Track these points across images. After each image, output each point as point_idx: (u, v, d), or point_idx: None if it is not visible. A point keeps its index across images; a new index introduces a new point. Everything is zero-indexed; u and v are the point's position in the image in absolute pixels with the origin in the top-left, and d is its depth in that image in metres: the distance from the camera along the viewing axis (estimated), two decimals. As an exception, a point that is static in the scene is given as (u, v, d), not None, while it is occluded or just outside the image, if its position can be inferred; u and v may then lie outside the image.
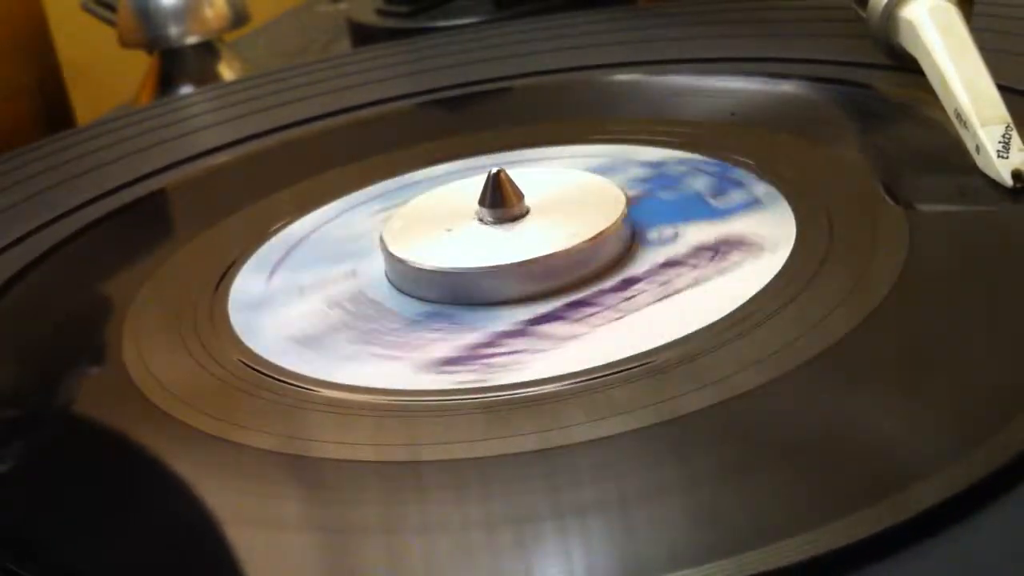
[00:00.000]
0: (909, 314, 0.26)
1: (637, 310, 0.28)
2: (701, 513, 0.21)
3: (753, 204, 0.32)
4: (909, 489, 0.20)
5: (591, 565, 0.21)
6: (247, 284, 0.33)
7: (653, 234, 0.32)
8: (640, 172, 0.36)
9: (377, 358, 0.28)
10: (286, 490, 0.24)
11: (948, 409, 0.23)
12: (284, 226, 0.36)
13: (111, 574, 0.22)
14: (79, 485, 0.25)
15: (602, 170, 0.35)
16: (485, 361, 0.27)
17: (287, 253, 0.35)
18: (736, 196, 0.33)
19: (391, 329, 0.29)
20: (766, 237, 0.30)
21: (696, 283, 0.29)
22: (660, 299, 0.28)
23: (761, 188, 0.33)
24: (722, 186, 0.34)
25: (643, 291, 0.29)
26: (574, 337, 0.27)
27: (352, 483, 0.24)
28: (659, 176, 0.35)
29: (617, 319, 0.28)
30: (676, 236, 0.31)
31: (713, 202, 0.33)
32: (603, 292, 0.29)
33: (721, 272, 0.29)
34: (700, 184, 0.34)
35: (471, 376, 0.26)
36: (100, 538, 0.23)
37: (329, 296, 0.32)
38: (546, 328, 0.28)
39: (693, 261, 0.30)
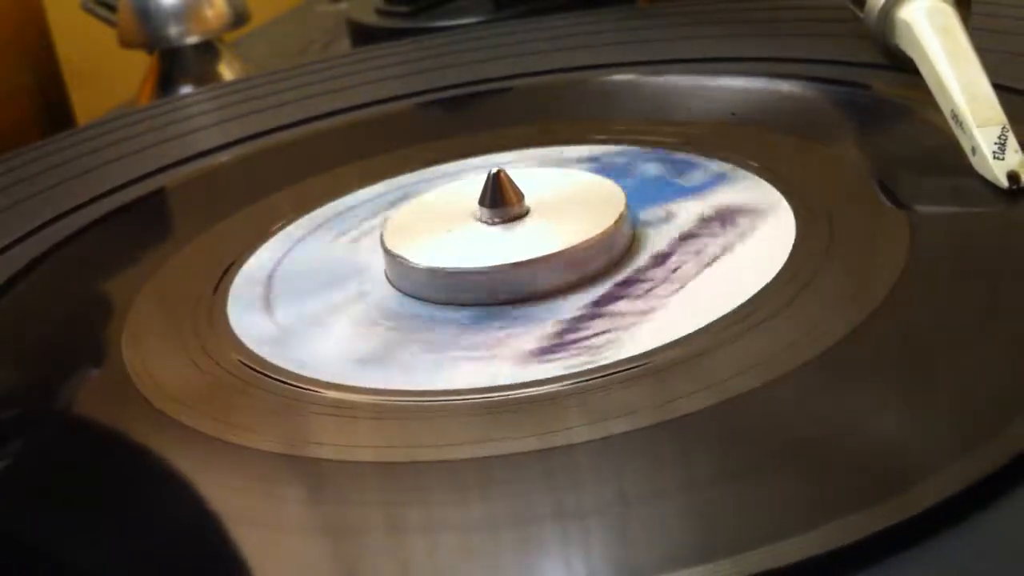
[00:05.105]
0: (907, 315, 0.26)
1: (692, 278, 0.29)
2: (701, 514, 0.21)
3: (720, 178, 0.33)
4: (908, 490, 0.20)
5: (590, 566, 0.21)
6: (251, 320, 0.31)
7: (645, 215, 0.32)
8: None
9: (466, 360, 0.27)
10: (286, 491, 0.24)
11: (947, 410, 0.23)
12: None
13: (111, 574, 0.22)
14: (79, 485, 0.25)
15: (601, 170, 0.35)
16: (582, 344, 0.27)
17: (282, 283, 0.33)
18: (697, 175, 0.34)
19: (454, 334, 0.28)
20: (758, 202, 0.32)
21: (726, 250, 0.30)
22: (706, 266, 0.29)
23: (714, 165, 0.34)
24: (677, 168, 0.35)
25: (683, 262, 0.30)
26: (651, 309, 0.28)
27: (352, 483, 0.24)
28: (601, 168, 0.36)
29: (677, 289, 0.28)
30: (668, 216, 0.32)
31: (680, 181, 0.34)
32: (645, 269, 0.30)
33: (742, 237, 0.30)
34: (653, 169, 0.35)
35: (578, 359, 0.26)
36: (100, 538, 0.23)
37: (355, 316, 0.30)
38: (613, 308, 0.28)
39: (707, 230, 0.31)
